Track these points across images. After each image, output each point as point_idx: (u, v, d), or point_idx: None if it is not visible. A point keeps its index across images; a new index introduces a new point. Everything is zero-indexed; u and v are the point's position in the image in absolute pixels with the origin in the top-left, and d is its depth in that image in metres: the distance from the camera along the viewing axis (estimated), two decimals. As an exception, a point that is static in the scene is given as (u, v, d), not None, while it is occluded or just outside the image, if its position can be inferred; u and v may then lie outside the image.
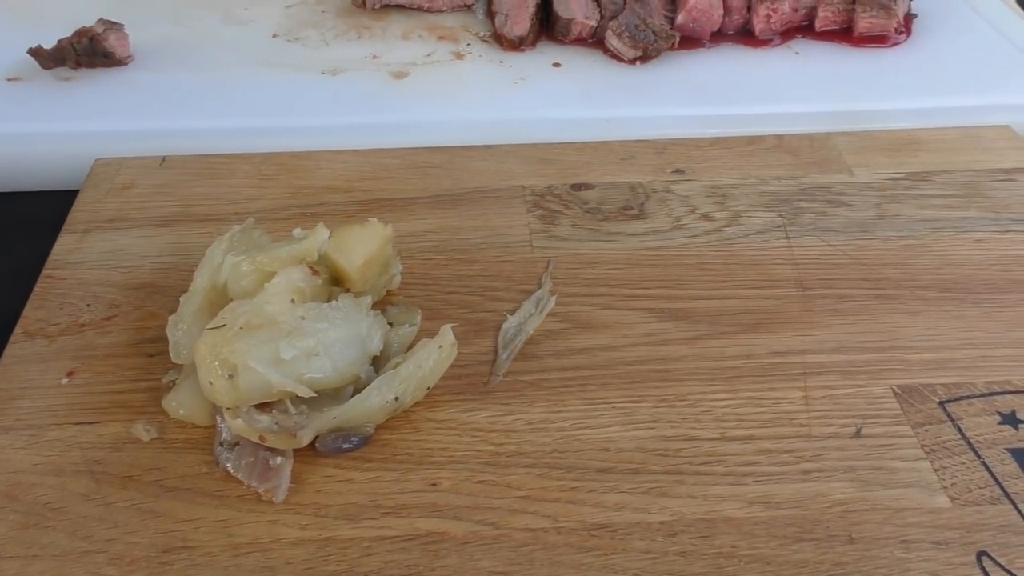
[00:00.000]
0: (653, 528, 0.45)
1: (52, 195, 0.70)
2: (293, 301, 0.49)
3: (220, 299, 0.52)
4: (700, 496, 0.47)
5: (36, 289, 0.58)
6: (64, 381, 0.53)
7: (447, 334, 0.50)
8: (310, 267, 0.51)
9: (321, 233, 0.53)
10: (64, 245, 0.62)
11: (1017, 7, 0.92)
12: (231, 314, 0.48)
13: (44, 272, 0.60)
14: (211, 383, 0.46)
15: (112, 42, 0.80)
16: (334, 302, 0.51)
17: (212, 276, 0.52)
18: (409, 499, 0.47)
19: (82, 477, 0.47)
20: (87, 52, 0.80)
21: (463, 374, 0.53)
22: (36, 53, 0.80)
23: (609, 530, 0.45)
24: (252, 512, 0.46)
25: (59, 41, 0.80)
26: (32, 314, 0.57)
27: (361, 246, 0.52)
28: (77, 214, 0.65)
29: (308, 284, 0.50)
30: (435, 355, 0.50)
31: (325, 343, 0.48)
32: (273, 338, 0.47)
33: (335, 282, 0.53)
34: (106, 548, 0.44)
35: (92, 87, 0.79)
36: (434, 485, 0.47)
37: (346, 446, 0.48)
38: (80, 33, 0.80)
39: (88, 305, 0.57)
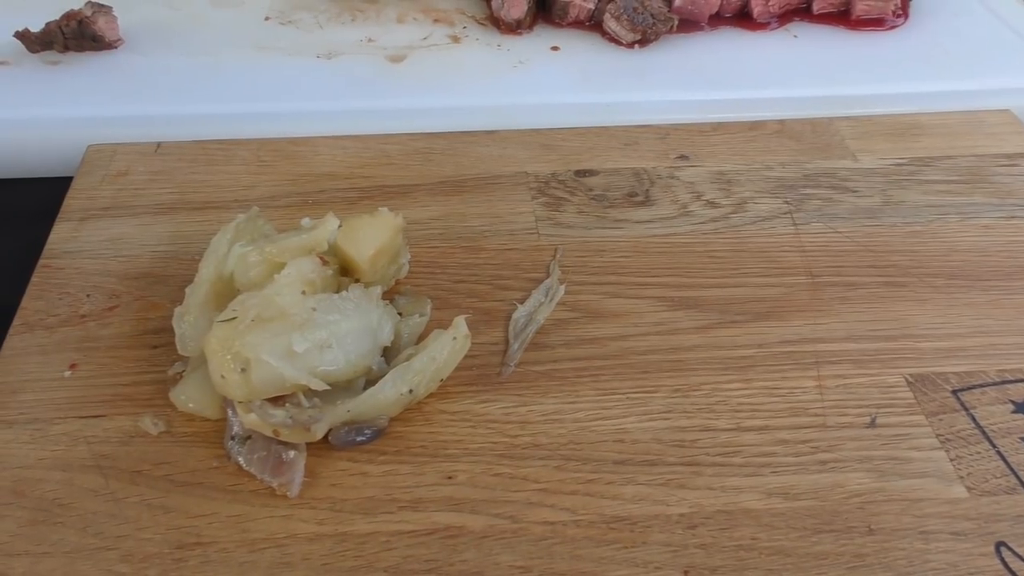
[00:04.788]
0: (672, 520, 0.45)
1: (41, 182, 0.69)
2: (304, 292, 0.48)
3: (227, 290, 0.51)
4: (718, 487, 0.47)
5: (33, 279, 0.57)
6: (67, 374, 0.51)
7: (461, 326, 0.50)
8: (320, 257, 0.50)
9: (331, 223, 0.52)
10: (60, 234, 0.61)
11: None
12: (241, 306, 0.47)
13: (41, 262, 0.58)
14: (223, 377, 0.45)
15: (101, 25, 0.79)
16: (344, 293, 0.50)
17: (218, 266, 0.51)
18: (425, 492, 0.46)
19: (90, 472, 0.47)
20: (75, 35, 0.78)
21: (475, 364, 0.52)
22: (23, 36, 0.78)
23: (628, 523, 0.45)
24: (266, 507, 0.45)
25: (47, 24, 0.78)
26: (31, 305, 0.55)
27: (372, 236, 0.52)
28: (72, 202, 0.63)
29: (318, 275, 0.49)
30: (449, 347, 0.49)
31: (337, 335, 0.47)
32: (285, 331, 0.46)
33: (344, 272, 0.52)
34: (118, 545, 0.43)
35: (81, 71, 0.77)
36: (450, 478, 0.47)
37: (360, 439, 0.47)
38: (68, 16, 0.78)
39: (88, 295, 0.56)
